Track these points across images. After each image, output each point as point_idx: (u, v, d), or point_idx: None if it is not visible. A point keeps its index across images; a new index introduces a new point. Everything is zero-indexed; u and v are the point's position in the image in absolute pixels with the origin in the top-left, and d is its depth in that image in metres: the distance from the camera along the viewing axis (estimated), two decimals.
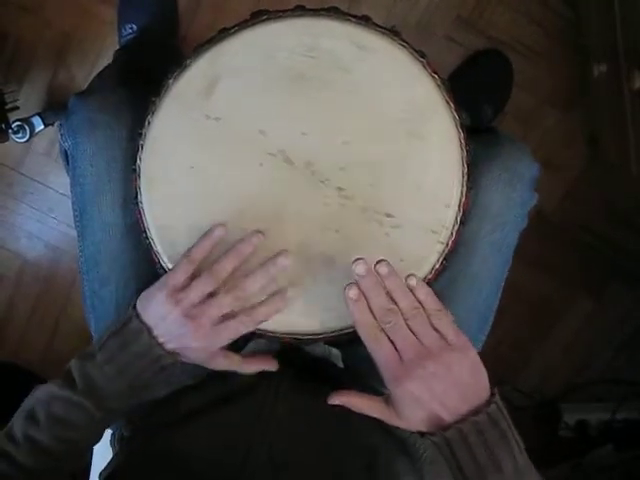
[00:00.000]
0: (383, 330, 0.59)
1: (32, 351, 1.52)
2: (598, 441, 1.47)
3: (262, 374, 0.72)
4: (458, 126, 0.67)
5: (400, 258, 0.65)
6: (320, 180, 0.67)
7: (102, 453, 0.99)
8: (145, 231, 0.69)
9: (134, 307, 0.63)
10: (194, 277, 0.63)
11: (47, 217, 1.43)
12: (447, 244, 0.67)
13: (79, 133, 0.74)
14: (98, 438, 0.67)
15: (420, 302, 0.60)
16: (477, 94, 1.27)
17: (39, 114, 1.25)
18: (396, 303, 0.59)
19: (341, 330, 0.68)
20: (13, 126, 1.22)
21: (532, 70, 1.32)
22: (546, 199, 1.39)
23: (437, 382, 0.57)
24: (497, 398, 0.59)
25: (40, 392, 0.64)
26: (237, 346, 0.84)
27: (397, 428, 0.77)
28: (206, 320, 0.62)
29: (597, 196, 1.41)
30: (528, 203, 0.77)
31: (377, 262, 0.60)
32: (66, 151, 0.77)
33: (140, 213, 0.68)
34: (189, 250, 0.64)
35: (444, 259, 0.67)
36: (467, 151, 0.67)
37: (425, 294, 0.60)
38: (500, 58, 1.29)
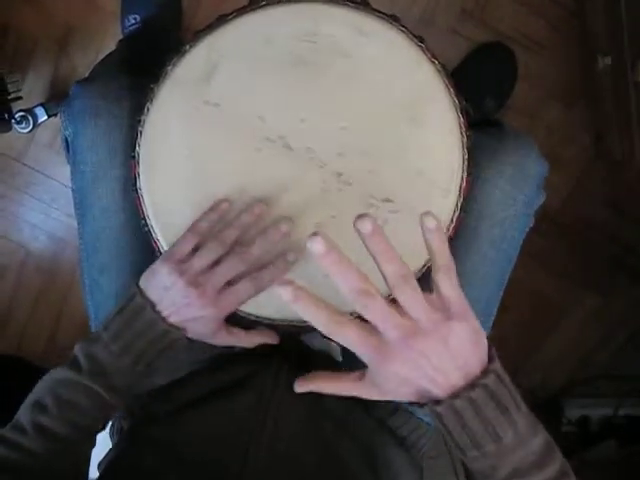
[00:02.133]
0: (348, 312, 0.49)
1: (35, 342, 1.53)
2: (600, 437, 1.47)
3: (260, 366, 0.72)
4: (458, 111, 0.66)
5: (398, 244, 0.65)
6: (319, 165, 0.67)
7: (101, 444, 0.99)
8: (144, 218, 0.69)
9: (137, 284, 0.64)
10: (197, 250, 0.64)
11: (50, 208, 1.43)
12: (447, 230, 0.67)
13: (80, 120, 0.74)
14: (106, 421, 0.67)
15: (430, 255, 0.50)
16: (480, 87, 1.27)
17: (42, 104, 1.25)
18: (380, 269, 0.49)
19: None
20: (16, 116, 1.22)
21: (536, 63, 1.31)
22: (550, 195, 1.37)
23: (427, 360, 0.49)
24: (496, 364, 0.51)
25: (46, 379, 0.64)
26: None
27: (397, 426, 0.77)
28: (211, 287, 0.62)
29: (601, 192, 1.40)
30: (533, 202, 0.76)
31: (358, 217, 0.47)
32: (67, 138, 0.77)
33: (139, 199, 0.68)
34: (194, 222, 0.65)
35: None
36: (467, 136, 0.66)
37: (439, 244, 0.50)
38: (504, 51, 1.28)
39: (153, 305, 0.62)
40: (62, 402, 0.61)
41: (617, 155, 1.25)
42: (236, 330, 0.68)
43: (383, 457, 0.70)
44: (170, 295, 0.62)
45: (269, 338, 0.70)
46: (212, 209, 0.66)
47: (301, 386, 0.57)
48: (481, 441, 0.50)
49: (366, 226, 0.47)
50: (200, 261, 0.62)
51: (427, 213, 0.49)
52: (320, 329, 0.48)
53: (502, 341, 1.51)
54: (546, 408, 1.52)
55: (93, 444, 0.68)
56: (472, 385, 0.49)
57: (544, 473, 0.52)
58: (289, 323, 0.68)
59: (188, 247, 0.63)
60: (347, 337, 0.48)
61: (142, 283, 0.64)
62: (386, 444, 0.72)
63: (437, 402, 0.50)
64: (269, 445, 0.63)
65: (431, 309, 0.49)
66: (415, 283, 0.49)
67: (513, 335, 1.51)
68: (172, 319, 0.63)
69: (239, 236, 0.65)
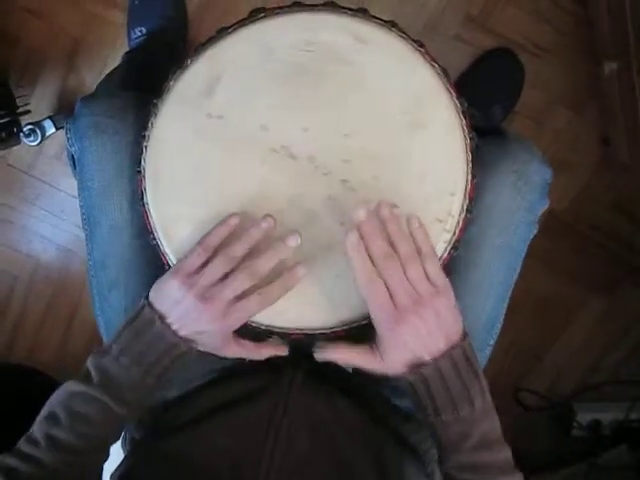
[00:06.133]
0: (379, 276, 0.61)
1: (45, 352, 1.54)
2: (611, 441, 1.46)
3: (274, 377, 0.73)
4: (460, 113, 0.66)
5: None
6: (323, 173, 0.67)
7: (114, 454, 0.99)
8: (152, 232, 0.69)
9: (146, 297, 0.64)
10: (206, 264, 0.63)
11: (58, 219, 1.44)
12: (454, 233, 0.66)
13: (85, 137, 0.74)
14: (118, 433, 0.68)
15: (417, 245, 0.63)
16: (487, 94, 1.26)
17: (50, 117, 1.26)
18: (395, 248, 0.61)
19: (352, 323, 0.67)
20: (25, 129, 1.23)
21: (543, 69, 1.30)
22: (558, 199, 1.38)
23: (425, 327, 0.60)
24: (469, 337, 0.63)
25: (59, 391, 0.64)
26: None
27: (409, 435, 0.77)
28: (219, 301, 0.61)
29: (609, 196, 1.40)
30: (536, 208, 0.75)
31: (379, 204, 0.62)
32: (73, 155, 0.78)
33: (147, 214, 0.69)
34: (204, 237, 0.64)
35: (452, 248, 0.67)
36: (471, 138, 0.66)
37: (424, 237, 0.63)
38: (510, 57, 1.27)
39: (162, 317, 0.62)
40: (74, 414, 0.62)
41: (624, 159, 1.25)
42: (245, 342, 0.67)
43: (395, 468, 0.70)
44: (179, 308, 0.62)
45: (278, 350, 0.69)
46: (222, 224, 0.65)
47: (321, 354, 0.66)
48: (458, 402, 0.60)
49: (384, 212, 0.62)
50: (209, 275, 0.62)
51: (413, 217, 0.63)
52: (359, 280, 0.61)
53: (511, 346, 1.51)
54: (557, 412, 1.52)
55: (106, 456, 0.68)
56: (452, 347, 0.61)
57: (506, 452, 0.63)
58: (301, 331, 0.68)
59: (198, 262, 0.63)
60: (376, 294, 0.61)
61: (152, 296, 0.64)
62: (398, 455, 0.72)
63: (422, 365, 0.60)
64: (282, 456, 0.64)
65: (429, 283, 0.61)
66: (420, 262, 0.61)
67: (522, 340, 1.50)
68: (181, 332, 0.62)
69: (248, 250, 0.64)
